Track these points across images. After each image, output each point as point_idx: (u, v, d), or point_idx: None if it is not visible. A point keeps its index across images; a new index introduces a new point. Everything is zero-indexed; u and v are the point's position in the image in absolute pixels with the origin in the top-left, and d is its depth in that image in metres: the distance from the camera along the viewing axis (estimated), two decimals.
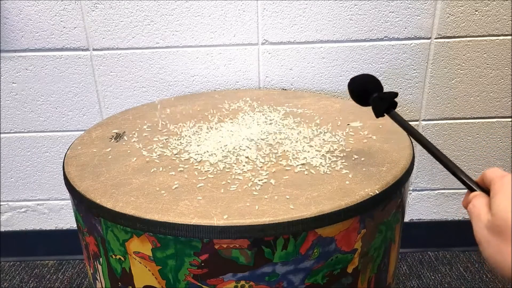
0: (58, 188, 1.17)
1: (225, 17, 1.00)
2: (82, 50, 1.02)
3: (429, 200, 1.19)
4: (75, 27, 1.00)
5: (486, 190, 0.42)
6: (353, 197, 0.54)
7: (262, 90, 1.04)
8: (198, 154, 0.67)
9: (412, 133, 0.52)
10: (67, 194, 1.11)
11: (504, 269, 0.36)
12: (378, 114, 0.57)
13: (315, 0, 0.98)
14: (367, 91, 0.58)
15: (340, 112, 0.84)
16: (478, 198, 0.41)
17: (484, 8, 0.99)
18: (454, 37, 1.02)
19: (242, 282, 0.53)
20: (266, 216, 0.51)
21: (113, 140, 0.75)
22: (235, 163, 0.64)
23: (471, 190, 0.44)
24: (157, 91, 1.07)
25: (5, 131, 1.10)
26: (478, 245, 0.39)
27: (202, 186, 0.58)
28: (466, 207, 0.43)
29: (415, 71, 1.04)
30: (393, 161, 0.64)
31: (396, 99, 0.56)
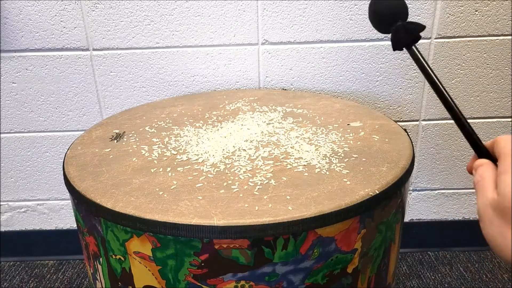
0: (58, 188, 1.17)
1: (225, 17, 1.00)
2: (82, 50, 1.02)
3: (429, 200, 1.19)
4: (75, 27, 1.00)
5: (495, 160, 0.39)
6: (353, 197, 0.54)
7: (262, 90, 1.04)
8: (198, 154, 0.67)
9: (428, 74, 0.48)
10: (67, 194, 1.12)
11: (504, 251, 0.35)
12: (398, 46, 0.50)
13: (315, 0, 0.98)
14: (393, 16, 0.51)
15: (340, 112, 0.84)
16: (486, 169, 0.38)
17: (484, 8, 0.99)
18: (454, 37, 1.02)
19: (242, 282, 0.53)
20: (266, 216, 0.51)
21: (113, 140, 0.75)
22: (235, 163, 0.64)
23: (479, 154, 0.41)
24: (157, 91, 1.07)
25: (5, 131, 1.10)
26: (479, 221, 0.37)
27: (202, 186, 0.58)
28: (470, 171, 0.41)
29: (415, 71, 1.04)
30: (393, 161, 0.63)
31: (421, 33, 0.50)
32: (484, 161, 0.40)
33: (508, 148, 0.37)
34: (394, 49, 0.51)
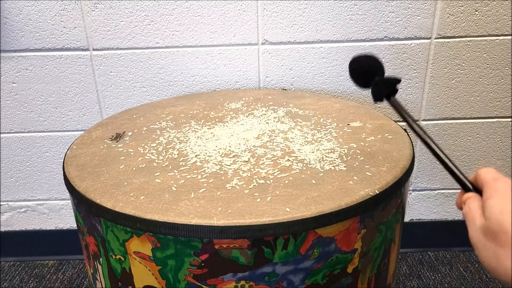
0: (58, 188, 1.17)
1: (225, 17, 1.00)
2: (82, 50, 1.02)
3: (429, 200, 1.19)
4: (75, 27, 1.00)
5: (479, 191, 0.42)
6: (353, 197, 0.54)
7: (262, 90, 1.04)
8: (198, 154, 0.67)
9: (409, 123, 0.50)
10: (67, 194, 1.12)
11: (500, 272, 0.36)
12: (378, 98, 0.54)
13: (315, 0, 0.98)
14: (370, 73, 0.54)
15: (340, 112, 0.84)
16: (473, 200, 0.41)
17: (484, 8, 0.99)
18: (454, 37, 1.02)
19: (242, 282, 0.53)
20: (266, 216, 0.51)
21: (113, 140, 0.75)
22: (235, 163, 0.64)
23: (465, 189, 0.44)
24: (157, 91, 1.07)
25: (5, 131, 1.10)
26: (474, 249, 0.39)
27: (202, 186, 0.58)
28: (459, 207, 0.43)
29: (415, 71, 1.04)
30: (393, 161, 0.63)
31: (398, 86, 0.54)
32: (470, 194, 0.42)
33: (489, 177, 0.40)
34: (375, 101, 0.54)
